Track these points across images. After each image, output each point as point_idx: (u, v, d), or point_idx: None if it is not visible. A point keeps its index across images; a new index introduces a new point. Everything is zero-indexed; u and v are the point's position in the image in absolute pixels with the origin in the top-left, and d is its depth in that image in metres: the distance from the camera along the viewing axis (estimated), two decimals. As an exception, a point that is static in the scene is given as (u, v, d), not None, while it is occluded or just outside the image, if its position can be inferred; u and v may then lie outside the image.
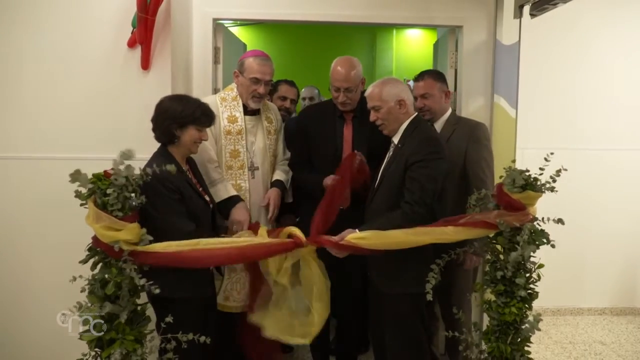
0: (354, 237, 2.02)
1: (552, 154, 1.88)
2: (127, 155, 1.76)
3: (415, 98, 2.63)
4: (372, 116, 2.27)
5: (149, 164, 2.00)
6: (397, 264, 2.14)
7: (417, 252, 2.00)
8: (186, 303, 2.02)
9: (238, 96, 2.53)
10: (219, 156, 2.49)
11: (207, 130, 2.26)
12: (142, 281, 1.73)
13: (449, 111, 2.67)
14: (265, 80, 2.49)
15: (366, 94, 2.30)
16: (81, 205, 1.78)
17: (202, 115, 2.09)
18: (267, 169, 2.59)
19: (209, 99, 2.48)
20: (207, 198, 2.22)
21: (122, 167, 1.76)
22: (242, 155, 2.49)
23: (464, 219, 1.98)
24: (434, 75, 2.67)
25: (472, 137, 2.54)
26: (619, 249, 3.88)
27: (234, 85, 2.57)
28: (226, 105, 2.50)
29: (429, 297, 1.94)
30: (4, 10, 2.61)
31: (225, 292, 2.46)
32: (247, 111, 2.54)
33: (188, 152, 2.16)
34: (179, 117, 2.05)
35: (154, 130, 2.10)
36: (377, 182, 2.26)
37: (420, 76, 2.67)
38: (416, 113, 2.29)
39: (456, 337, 2.02)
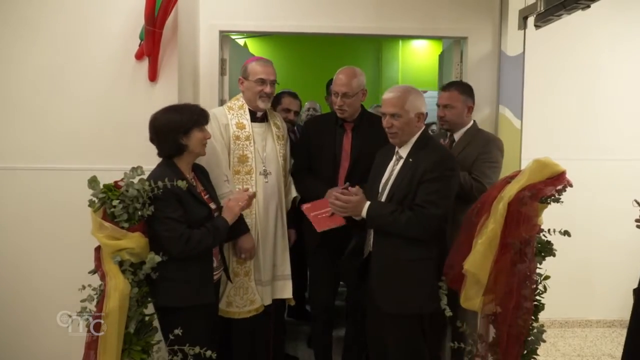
0: None
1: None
2: (138, 171, 1.84)
3: (438, 106, 2.67)
4: (387, 122, 2.14)
5: (153, 175, 1.97)
6: (404, 286, 2.09)
7: (424, 274, 2.07)
8: (191, 312, 1.99)
9: (244, 104, 2.57)
10: (228, 161, 2.51)
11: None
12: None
13: (471, 123, 2.66)
14: (270, 80, 2.52)
15: (386, 97, 2.18)
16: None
17: (199, 116, 2.10)
18: (279, 173, 2.61)
19: (218, 110, 2.56)
20: (214, 205, 2.19)
21: (135, 180, 1.81)
22: (250, 160, 2.51)
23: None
24: (460, 87, 2.67)
25: (486, 147, 2.55)
26: (628, 260, 3.81)
27: (239, 96, 2.61)
28: (233, 114, 2.55)
29: (448, 312, 2.02)
30: (13, 24, 2.65)
31: (228, 297, 2.44)
32: (255, 118, 2.58)
33: (196, 157, 2.14)
34: (181, 125, 2.04)
35: (158, 147, 2.08)
36: (387, 197, 2.16)
37: (448, 86, 2.69)
38: (424, 126, 2.21)
39: (462, 348, 2.02)
